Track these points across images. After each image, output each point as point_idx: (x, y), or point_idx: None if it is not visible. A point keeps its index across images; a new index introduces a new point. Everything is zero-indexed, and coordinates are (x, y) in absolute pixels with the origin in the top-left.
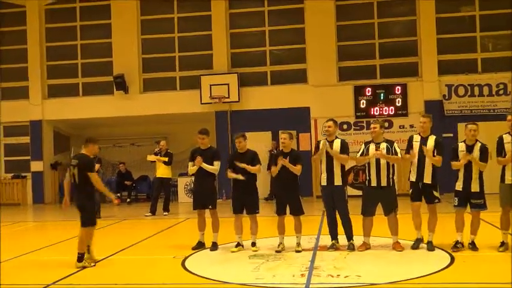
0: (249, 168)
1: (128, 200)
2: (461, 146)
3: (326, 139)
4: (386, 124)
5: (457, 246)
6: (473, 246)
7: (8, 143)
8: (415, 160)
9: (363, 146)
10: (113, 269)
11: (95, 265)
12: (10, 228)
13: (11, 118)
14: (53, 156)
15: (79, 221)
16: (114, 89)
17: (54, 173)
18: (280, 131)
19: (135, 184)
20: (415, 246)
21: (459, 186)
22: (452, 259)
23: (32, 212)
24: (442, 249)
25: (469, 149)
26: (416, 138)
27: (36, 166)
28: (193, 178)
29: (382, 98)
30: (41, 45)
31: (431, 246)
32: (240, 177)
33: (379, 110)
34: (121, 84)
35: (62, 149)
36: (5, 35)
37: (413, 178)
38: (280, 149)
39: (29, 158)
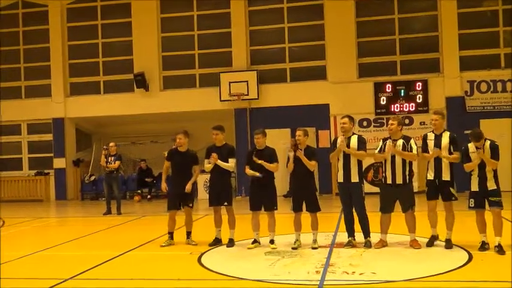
0: (267, 165)
1: (149, 196)
2: (471, 147)
3: (343, 135)
4: (407, 121)
5: (485, 247)
6: (500, 249)
7: (31, 140)
8: (432, 157)
9: (381, 142)
10: (130, 264)
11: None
12: (32, 224)
13: (34, 116)
14: (75, 153)
15: None
16: (135, 87)
17: (76, 170)
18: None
19: (155, 181)
20: (430, 243)
21: (475, 187)
22: (470, 257)
23: (54, 208)
24: (460, 247)
25: (478, 149)
26: (430, 136)
27: (58, 163)
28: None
29: (402, 94)
30: (63, 43)
31: (449, 244)
32: (257, 174)
33: (400, 106)
34: (141, 82)
35: (84, 146)
36: (28, 34)
37: (430, 176)
38: (297, 145)
39: (51, 155)
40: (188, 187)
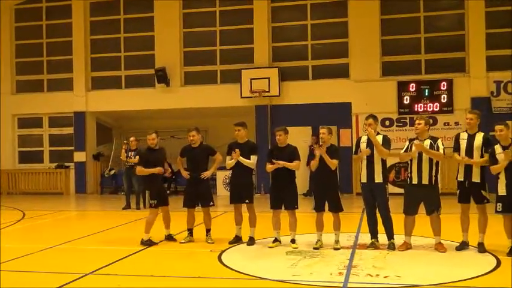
0: (288, 165)
1: (168, 192)
2: (498, 148)
3: (367, 135)
4: (430, 121)
5: None
6: None
7: (52, 133)
8: (461, 163)
9: (407, 142)
10: (150, 260)
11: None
12: (52, 217)
13: (55, 109)
14: (95, 147)
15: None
16: (156, 82)
17: (96, 164)
18: (321, 126)
19: (174, 176)
20: (460, 248)
21: (502, 190)
22: (499, 262)
23: (74, 202)
24: (488, 252)
25: (506, 149)
26: (463, 136)
27: (79, 156)
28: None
29: (426, 94)
30: (86, 38)
31: (482, 248)
32: (280, 162)
33: (424, 106)
34: (162, 77)
35: (104, 140)
36: (51, 27)
37: (460, 177)
38: (320, 144)
39: (72, 148)
40: (207, 173)
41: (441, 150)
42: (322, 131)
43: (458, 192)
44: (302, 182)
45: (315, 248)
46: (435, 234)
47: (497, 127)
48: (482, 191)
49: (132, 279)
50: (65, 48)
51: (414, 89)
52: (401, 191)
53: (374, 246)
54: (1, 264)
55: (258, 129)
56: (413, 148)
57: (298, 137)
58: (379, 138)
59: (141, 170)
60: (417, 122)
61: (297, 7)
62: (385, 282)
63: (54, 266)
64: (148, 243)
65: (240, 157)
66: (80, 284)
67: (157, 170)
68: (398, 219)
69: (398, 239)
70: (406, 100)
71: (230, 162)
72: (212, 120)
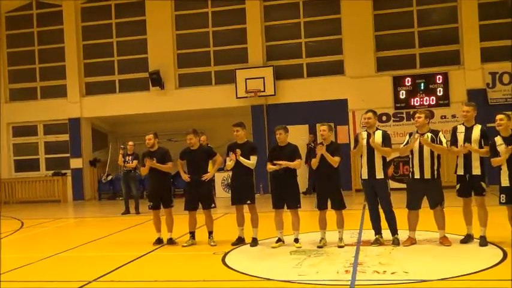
0: (289, 164)
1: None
2: (498, 140)
3: (366, 131)
4: (429, 114)
5: None
6: None
7: (48, 140)
8: (461, 152)
9: (407, 136)
10: (154, 265)
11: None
12: (51, 225)
13: (50, 116)
14: (91, 153)
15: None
16: (150, 85)
17: (93, 170)
18: (318, 124)
19: (172, 179)
20: (465, 241)
21: (505, 181)
22: (505, 254)
23: (72, 209)
24: (494, 244)
25: (507, 141)
26: (461, 129)
27: (75, 163)
28: (230, 173)
29: (422, 88)
30: (78, 43)
31: (484, 241)
32: (281, 163)
33: (420, 100)
34: (157, 80)
35: (100, 145)
36: (43, 34)
37: (460, 171)
38: (320, 141)
39: (68, 155)
40: (207, 175)
41: (444, 144)
42: (323, 128)
43: (458, 186)
44: (301, 180)
45: (319, 247)
46: (439, 228)
47: (498, 116)
48: (482, 183)
49: (137, 285)
50: (58, 55)
51: (410, 83)
52: (401, 186)
53: (378, 242)
54: (1, 275)
55: (255, 129)
56: (412, 140)
57: (296, 135)
58: (379, 134)
59: (142, 170)
60: (417, 115)
61: (290, 5)
62: (393, 279)
63: (57, 274)
64: (160, 241)
65: (241, 157)
66: None
67: (148, 164)
68: (400, 214)
69: (402, 234)
70: (402, 95)
71: (229, 163)
72: (208, 122)
